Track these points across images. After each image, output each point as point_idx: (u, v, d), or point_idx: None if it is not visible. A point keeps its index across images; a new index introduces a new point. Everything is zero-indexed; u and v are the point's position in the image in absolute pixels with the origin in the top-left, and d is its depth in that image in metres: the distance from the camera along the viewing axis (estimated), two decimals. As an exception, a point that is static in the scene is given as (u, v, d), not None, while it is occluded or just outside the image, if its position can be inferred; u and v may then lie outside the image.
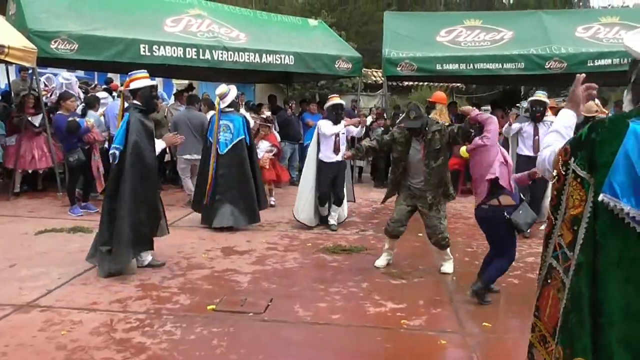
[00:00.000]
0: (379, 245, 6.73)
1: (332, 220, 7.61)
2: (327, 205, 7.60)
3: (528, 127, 7.56)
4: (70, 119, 7.59)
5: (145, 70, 5.61)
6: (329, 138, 7.41)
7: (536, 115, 7.38)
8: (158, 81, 14.24)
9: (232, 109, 7.43)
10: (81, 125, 7.66)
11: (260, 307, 4.57)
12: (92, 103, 8.96)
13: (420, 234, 7.49)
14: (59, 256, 5.77)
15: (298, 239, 6.93)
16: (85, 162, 7.72)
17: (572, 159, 1.82)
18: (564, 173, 1.85)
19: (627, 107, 1.86)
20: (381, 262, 5.86)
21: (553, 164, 1.94)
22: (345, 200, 7.82)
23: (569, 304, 1.79)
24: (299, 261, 5.98)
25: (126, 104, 5.66)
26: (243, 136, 7.31)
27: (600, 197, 1.72)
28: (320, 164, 7.51)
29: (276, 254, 6.21)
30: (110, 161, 5.37)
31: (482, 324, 4.38)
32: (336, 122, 7.47)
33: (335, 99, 7.70)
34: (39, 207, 8.32)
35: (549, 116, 7.41)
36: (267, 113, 10.25)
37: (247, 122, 7.70)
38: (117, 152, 5.20)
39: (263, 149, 8.76)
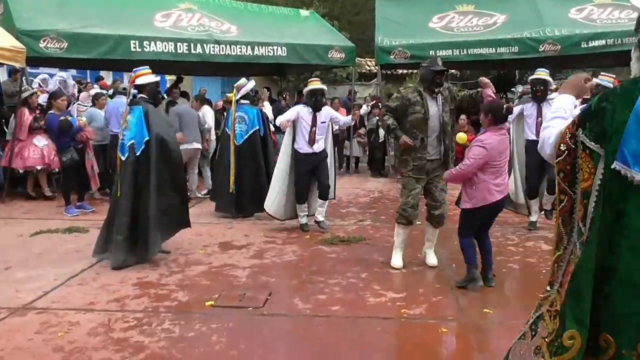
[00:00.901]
0: (377, 235, 6.71)
1: (321, 217, 6.87)
2: (305, 204, 6.85)
3: (531, 109, 6.83)
4: (61, 118, 7.51)
5: (148, 67, 5.86)
6: (303, 128, 6.69)
7: (537, 94, 6.68)
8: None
9: (248, 102, 7.72)
10: (73, 124, 7.58)
11: (259, 301, 4.53)
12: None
13: (419, 223, 7.46)
14: (55, 257, 5.72)
15: (296, 232, 6.88)
16: (78, 162, 7.65)
17: (580, 130, 1.75)
18: (573, 146, 1.78)
19: (634, 64, 1.78)
20: (399, 261, 5.42)
21: (559, 139, 1.86)
22: (332, 185, 6.99)
23: (572, 278, 1.75)
24: (298, 254, 5.94)
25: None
26: (257, 127, 7.61)
27: (613, 165, 1.67)
28: (296, 154, 6.78)
29: (274, 247, 6.17)
30: (125, 154, 5.47)
31: (483, 311, 4.35)
32: (315, 109, 6.72)
33: (314, 83, 6.87)
34: (35, 208, 8.26)
35: (552, 94, 6.72)
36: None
37: (264, 115, 7.96)
38: (138, 144, 5.40)
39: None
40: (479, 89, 5.30)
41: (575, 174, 1.79)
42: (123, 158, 5.49)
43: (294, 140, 6.81)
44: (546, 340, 1.83)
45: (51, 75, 10.51)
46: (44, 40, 8.27)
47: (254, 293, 4.72)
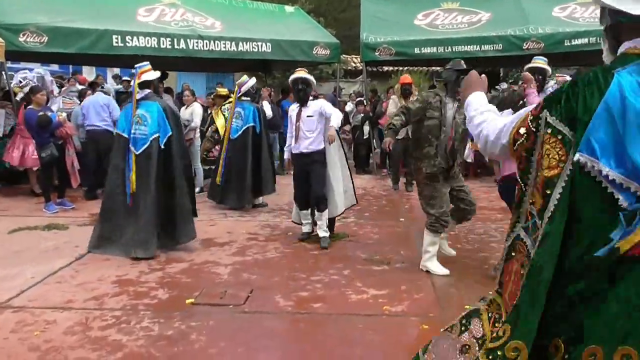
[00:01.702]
0: (360, 232, 6.70)
1: (321, 232, 6.07)
2: (308, 211, 6.21)
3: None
4: (41, 113, 7.39)
5: (149, 63, 6.02)
6: (290, 124, 6.19)
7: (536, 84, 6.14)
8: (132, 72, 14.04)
9: (248, 98, 7.91)
10: (53, 120, 7.47)
11: (241, 298, 4.49)
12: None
13: (402, 219, 7.48)
14: (33, 255, 5.63)
15: (279, 229, 6.84)
16: (58, 158, 7.55)
17: (547, 111, 1.60)
18: (534, 130, 1.62)
19: (606, 57, 1.70)
20: (442, 268, 5.15)
21: (518, 123, 1.69)
22: (340, 196, 6.17)
23: (525, 280, 1.57)
24: (280, 251, 5.90)
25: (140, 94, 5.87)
26: (252, 124, 7.78)
27: (577, 156, 1.50)
28: (292, 155, 6.30)
29: (257, 244, 6.13)
30: (140, 148, 5.65)
31: (464, 307, 4.33)
32: (299, 100, 6.07)
33: (298, 72, 6.17)
34: (13, 204, 8.12)
35: (550, 83, 6.51)
36: None
37: (260, 112, 8.07)
38: (162, 138, 5.67)
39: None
40: (520, 85, 5.21)
41: (530, 161, 1.64)
42: (137, 152, 5.66)
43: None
44: (478, 342, 1.70)
45: (30, 70, 10.32)
46: (23, 34, 8.13)
47: (236, 290, 4.67)
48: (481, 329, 1.73)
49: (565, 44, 10.40)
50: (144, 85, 5.85)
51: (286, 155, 6.55)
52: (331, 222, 6.25)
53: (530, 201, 1.63)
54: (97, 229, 5.83)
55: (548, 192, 1.55)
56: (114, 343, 3.68)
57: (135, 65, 5.97)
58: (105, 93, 9.12)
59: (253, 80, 8.10)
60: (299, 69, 6.34)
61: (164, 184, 5.72)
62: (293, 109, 6.19)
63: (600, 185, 1.48)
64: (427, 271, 5.13)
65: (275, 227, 6.94)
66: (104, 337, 3.77)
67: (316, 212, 6.13)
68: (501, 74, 18.07)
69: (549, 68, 6.54)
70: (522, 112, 1.73)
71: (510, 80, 17.70)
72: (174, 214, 5.78)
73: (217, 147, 9.30)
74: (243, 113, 7.82)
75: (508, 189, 4.85)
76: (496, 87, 12.63)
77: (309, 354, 3.69)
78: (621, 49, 1.61)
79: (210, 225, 6.91)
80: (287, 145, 6.44)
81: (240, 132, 7.77)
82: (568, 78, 2.07)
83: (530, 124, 1.64)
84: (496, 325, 1.68)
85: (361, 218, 7.49)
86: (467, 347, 1.74)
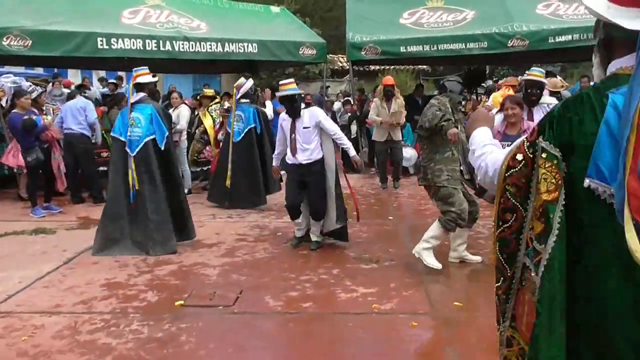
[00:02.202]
0: (349, 230, 6.66)
1: (314, 237, 6.04)
2: (300, 218, 6.02)
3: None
4: (25, 117, 7.34)
5: (147, 67, 6.16)
6: (284, 136, 5.96)
7: (531, 98, 5.76)
8: (122, 75, 13.97)
9: (247, 100, 8.05)
10: (38, 123, 7.41)
11: (230, 299, 4.49)
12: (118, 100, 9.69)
13: (391, 218, 7.51)
14: (21, 259, 5.59)
15: (268, 229, 6.85)
16: (44, 162, 7.50)
17: (541, 137, 1.58)
18: (531, 156, 1.61)
19: (595, 70, 1.68)
20: (437, 264, 5.13)
21: (514, 149, 1.69)
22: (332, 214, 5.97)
23: (540, 307, 1.54)
24: (269, 251, 5.91)
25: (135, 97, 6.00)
26: (253, 125, 7.93)
27: (586, 182, 1.48)
28: (285, 164, 6.15)
29: (246, 245, 6.13)
30: (135, 150, 5.81)
31: (452, 304, 4.38)
32: (292, 115, 5.86)
33: (285, 87, 5.90)
34: None
35: (545, 97, 6.28)
36: (227, 104, 10.08)
37: (261, 113, 8.21)
38: (160, 139, 5.85)
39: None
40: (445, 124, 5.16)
41: (529, 187, 1.62)
42: (132, 154, 5.80)
43: None
44: None
45: (16, 74, 10.25)
46: (7, 38, 8.03)
47: (225, 291, 4.67)
48: None
49: (550, 41, 10.45)
50: (138, 88, 5.99)
51: (275, 163, 6.35)
52: (342, 231, 6.11)
53: (530, 227, 1.61)
54: (102, 232, 5.89)
55: (550, 215, 1.53)
56: (104, 346, 3.67)
57: (133, 69, 6.10)
58: (88, 98, 9.07)
59: (250, 82, 8.18)
60: (286, 82, 6.00)
61: (169, 181, 5.95)
62: (285, 118, 5.96)
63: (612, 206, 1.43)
64: (420, 260, 5.12)
65: (264, 227, 6.94)
66: (93, 340, 3.76)
67: (310, 220, 6.00)
68: (487, 72, 18.20)
69: (546, 81, 6.30)
70: (518, 141, 1.72)
71: (495, 78, 17.83)
72: (182, 211, 6.05)
73: (207, 147, 9.29)
74: (243, 115, 7.98)
75: None
76: (482, 84, 12.75)
77: (299, 353, 3.70)
78: (611, 68, 1.59)
79: (199, 227, 6.88)
80: (276, 153, 6.26)
81: (242, 135, 7.93)
82: (478, 131, 2.07)
83: (527, 150, 1.63)
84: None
85: (350, 217, 7.48)
86: None
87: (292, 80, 6.11)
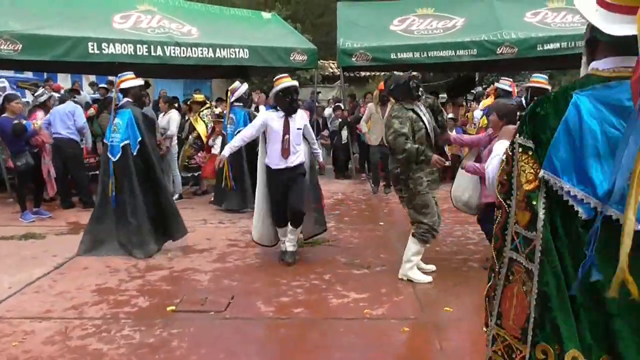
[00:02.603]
0: (340, 236, 6.73)
1: (290, 246, 5.67)
2: (286, 228, 5.68)
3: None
4: (15, 121, 7.30)
5: (132, 72, 6.22)
6: (275, 137, 5.49)
7: None
8: (112, 80, 13.92)
9: (240, 104, 8.08)
10: (28, 128, 7.38)
11: (222, 305, 4.50)
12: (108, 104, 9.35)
13: (382, 223, 7.54)
14: (10, 264, 5.55)
15: (259, 234, 6.84)
16: (34, 166, 7.46)
17: (518, 135, 1.69)
18: (511, 153, 1.71)
19: (582, 69, 1.75)
20: (425, 275, 5.13)
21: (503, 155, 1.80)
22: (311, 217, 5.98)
23: (546, 290, 1.57)
24: (261, 257, 5.91)
25: (119, 102, 6.11)
26: (242, 128, 7.81)
27: (541, 173, 1.59)
28: (268, 171, 5.67)
29: (237, 251, 6.13)
30: (116, 155, 5.89)
31: (443, 309, 4.41)
32: (288, 112, 5.51)
33: (285, 80, 5.57)
34: (-11, 214, 8.01)
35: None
36: (219, 109, 10.09)
37: (252, 117, 8.09)
38: (133, 144, 5.87)
39: (219, 144, 8.66)
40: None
41: (511, 184, 1.70)
42: (114, 159, 5.90)
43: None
44: None
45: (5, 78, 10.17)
46: (-3, 42, 8.02)
47: (216, 297, 4.68)
48: None
49: (538, 49, 10.58)
50: (122, 93, 6.07)
51: (226, 153, 5.69)
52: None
53: (515, 221, 1.68)
54: (90, 233, 6.05)
55: (534, 203, 1.61)
56: (95, 352, 3.66)
57: (118, 75, 6.16)
58: (77, 103, 9.03)
59: (245, 86, 8.24)
60: (282, 75, 5.75)
61: (148, 185, 5.97)
62: (273, 117, 5.52)
63: (562, 198, 1.56)
64: (409, 280, 5.06)
65: (255, 233, 6.93)
66: (84, 346, 3.75)
67: (289, 227, 5.63)
68: (476, 78, 18.32)
69: (549, 87, 6.29)
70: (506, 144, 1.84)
71: (484, 85, 17.96)
72: (163, 213, 6.06)
73: (199, 153, 9.28)
74: (235, 118, 8.05)
75: (487, 216, 4.95)
76: (472, 91, 12.83)
77: (290, 359, 3.71)
78: (588, 69, 1.67)
79: (190, 232, 6.87)
80: (235, 144, 5.68)
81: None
82: (498, 143, 2.30)
83: (509, 150, 1.73)
84: (514, 356, 1.67)
85: (341, 222, 7.53)
86: None
87: (287, 74, 5.87)
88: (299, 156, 5.59)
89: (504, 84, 7.56)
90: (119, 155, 5.89)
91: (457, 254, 5.92)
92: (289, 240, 5.67)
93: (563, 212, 1.58)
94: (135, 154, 5.89)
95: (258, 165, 5.82)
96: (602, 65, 1.62)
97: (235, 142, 5.70)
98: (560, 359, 1.54)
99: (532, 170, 1.62)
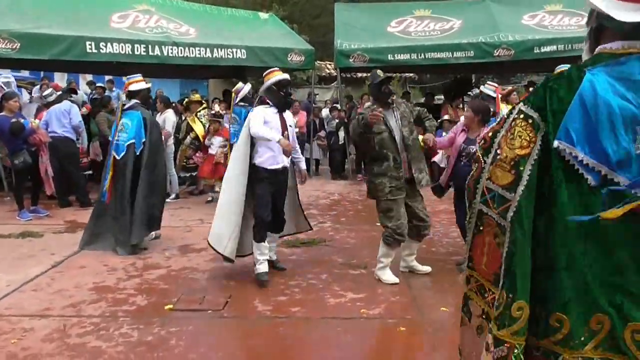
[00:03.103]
0: (337, 236, 6.77)
1: (273, 255, 5.39)
2: (266, 243, 5.10)
3: None
4: (13, 120, 7.31)
5: (140, 75, 6.39)
6: (268, 129, 4.94)
7: None
8: (112, 79, 13.93)
9: (246, 104, 7.96)
10: (25, 127, 7.39)
11: (219, 304, 4.52)
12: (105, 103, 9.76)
13: (378, 224, 7.56)
14: (8, 263, 5.56)
15: (256, 234, 6.86)
16: (31, 165, 7.47)
17: (523, 103, 1.79)
18: (505, 116, 1.82)
19: (585, 55, 1.85)
20: (393, 276, 5.10)
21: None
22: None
23: (512, 247, 1.72)
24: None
25: (126, 104, 6.25)
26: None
27: (556, 143, 1.69)
28: (257, 173, 5.01)
29: (234, 250, 6.14)
30: (121, 153, 6.04)
31: (440, 309, 4.44)
32: (282, 107, 5.10)
33: (277, 74, 5.14)
34: (-15, 213, 8.01)
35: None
36: (216, 108, 10.11)
37: None
38: (138, 144, 6.02)
39: (217, 144, 8.69)
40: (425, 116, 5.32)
41: (493, 142, 1.81)
42: (118, 157, 6.05)
43: (252, 152, 5.05)
44: (483, 317, 1.86)
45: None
46: (-5, 41, 8.03)
47: (214, 296, 4.70)
48: (479, 307, 1.88)
49: (535, 51, 10.64)
50: (130, 95, 6.23)
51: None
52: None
53: (487, 177, 1.79)
54: (90, 227, 6.23)
55: (520, 168, 1.72)
56: (93, 350, 3.68)
57: (127, 77, 6.36)
58: (73, 102, 9.03)
59: (248, 86, 8.24)
60: (273, 69, 5.36)
61: (145, 186, 6.05)
62: (268, 113, 5.05)
63: (576, 170, 1.66)
64: (379, 279, 5.09)
65: (252, 232, 6.96)
66: (83, 343, 3.77)
67: (270, 235, 5.19)
68: (473, 80, 18.40)
69: None
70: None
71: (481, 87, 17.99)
72: (152, 211, 6.19)
73: (198, 153, 9.30)
74: (238, 118, 8.05)
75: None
76: (469, 92, 12.89)
77: (288, 358, 3.73)
78: (597, 50, 1.77)
79: (187, 232, 6.91)
80: (257, 159, 5.03)
81: (238, 137, 8.01)
82: None
83: (506, 114, 1.85)
84: (485, 295, 1.84)
85: (337, 223, 7.56)
86: (480, 327, 1.89)
87: (277, 68, 5.55)
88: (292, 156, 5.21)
89: (489, 88, 7.76)
90: (122, 153, 6.03)
91: (453, 254, 5.96)
92: (272, 250, 5.28)
93: (568, 180, 1.68)
94: (137, 154, 6.03)
95: (236, 166, 5.08)
96: (614, 45, 1.72)
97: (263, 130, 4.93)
98: (509, 306, 1.70)
99: (527, 138, 1.73)
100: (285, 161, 5.09)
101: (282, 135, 4.97)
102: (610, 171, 1.62)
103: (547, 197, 1.72)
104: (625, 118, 1.62)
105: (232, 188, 5.03)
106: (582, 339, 1.66)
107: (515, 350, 1.72)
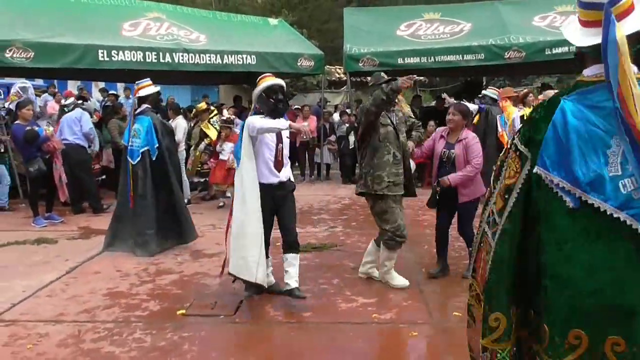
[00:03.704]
0: (348, 241, 6.78)
1: (294, 282, 4.62)
2: (265, 258, 4.64)
3: None
4: (28, 128, 7.41)
5: (149, 78, 6.47)
6: (265, 146, 4.56)
7: None
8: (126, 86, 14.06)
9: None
10: (40, 134, 7.48)
11: (231, 309, 4.55)
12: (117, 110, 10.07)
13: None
14: (23, 269, 5.64)
15: (267, 239, 6.89)
16: (46, 172, 7.56)
17: (517, 135, 1.97)
18: (509, 147, 2.00)
19: (577, 78, 2.00)
20: (403, 279, 5.06)
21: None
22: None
23: (492, 265, 1.94)
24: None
25: (138, 109, 6.37)
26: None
27: (535, 169, 1.84)
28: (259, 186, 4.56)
29: (246, 255, 6.17)
30: (136, 159, 6.20)
31: (452, 314, 4.44)
32: (274, 115, 4.54)
33: (268, 79, 4.67)
34: (1, 219, 8.09)
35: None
36: (226, 114, 10.15)
37: None
38: (152, 150, 6.19)
39: (228, 150, 8.73)
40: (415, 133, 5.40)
41: (501, 170, 1.99)
42: (133, 162, 6.19)
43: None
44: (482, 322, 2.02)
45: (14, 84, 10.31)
46: (9, 50, 8.12)
47: (226, 301, 4.73)
48: (480, 313, 2.04)
49: (546, 53, 10.56)
50: (140, 100, 6.33)
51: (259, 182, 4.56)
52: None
53: (494, 202, 1.99)
54: (111, 230, 6.44)
55: (507, 196, 1.92)
56: (107, 355, 3.72)
57: (136, 82, 6.40)
58: (85, 109, 9.11)
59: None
60: (266, 75, 4.86)
61: (163, 190, 6.30)
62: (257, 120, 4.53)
63: (556, 194, 1.81)
64: (419, 270, 5.16)
65: (263, 237, 6.98)
66: (97, 349, 3.81)
67: (286, 256, 4.68)
68: (484, 83, 18.35)
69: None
70: None
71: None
72: (176, 217, 6.41)
73: (212, 159, 9.34)
74: None
75: (468, 211, 5.26)
76: (479, 95, 12.87)
77: (300, 361, 3.75)
78: (577, 78, 1.92)
79: (199, 237, 6.94)
80: (250, 171, 4.53)
81: None
82: None
83: (509, 144, 2.02)
84: (480, 302, 2.02)
85: (348, 227, 7.57)
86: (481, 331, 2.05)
87: (270, 73, 5.10)
88: (288, 170, 4.81)
89: (493, 92, 8.04)
90: (138, 159, 6.19)
91: (464, 258, 5.94)
92: (290, 276, 4.63)
93: (553, 203, 1.82)
94: (154, 159, 6.21)
95: (248, 184, 4.52)
96: (587, 72, 1.88)
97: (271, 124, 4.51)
98: (487, 317, 1.95)
99: (514, 168, 1.92)
100: (282, 176, 4.65)
101: (277, 148, 4.60)
102: (584, 193, 1.74)
103: (537, 219, 1.87)
104: (595, 142, 1.75)
105: (248, 208, 4.49)
106: (563, 350, 1.79)
107: (498, 355, 1.94)
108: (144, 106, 6.32)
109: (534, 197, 1.86)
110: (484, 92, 8.62)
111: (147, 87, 6.37)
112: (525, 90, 10.68)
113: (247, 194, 4.50)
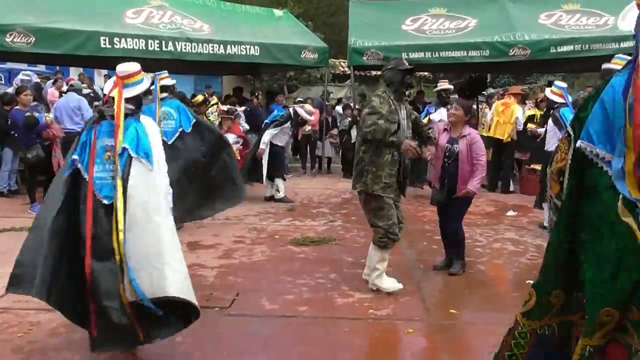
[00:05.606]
0: (347, 235, 6.73)
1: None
2: None
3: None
4: (27, 114, 7.36)
5: (166, 71, 6.78)
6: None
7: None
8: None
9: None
10: (40, 121, 7.43)
11: (227, 301, 4.50)
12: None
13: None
14: (18, 256, 5.58)
15: (265, 232, 6.86)
16: (45, 159, 7.51)
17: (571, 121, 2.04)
18: (565, 135, 2.06)
19: None
20: (396, 282, 4.81)
21: None
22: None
23: (548, 247, 2.05)
24: (267, 254, 5.91)
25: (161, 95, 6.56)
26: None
27: (578, 143, 1.88)
28: None
29: (243, 248, 6.14)
30: (171, 138, 6.23)
31: (449, 312, 4.39)
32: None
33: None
34: (-1, 206, 8.08)
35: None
36: (222, 107, 10.07)
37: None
38: (187, 126, 6.38)
39: (230, 141, 8.67)
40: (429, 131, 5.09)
41: (553, 157, 2.06)
42: (169, 142, 6.13)
43: None
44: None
45: (18, 72, 10.29)
46: (10, 35, 8.08)
47: (221, 293, 4.68)
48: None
49: (552, 51, 10.49)
50: (162, 89, 6.58)
51: None
52: None
53: (549, 187, 2.08)
54: None
55: (561, 179, 1.99)
56: (99, 345, 3.67)
57: (156, 73, 6.64)
58: (76, 90, 8.99)
59: None
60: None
61: (206, 160, 6.31)
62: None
63: (601, 169, 1.83)
64: (417, 266, 5.06)
65: (261, 230, 6.95)
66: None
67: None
68: (488, 80, 18.25)
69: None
70: None
71: (495, 87, 17.86)
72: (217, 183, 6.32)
73: None
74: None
75: (461, 205, 5.27)
76: (483, 92, 12.79)
77: (294, 357, 3.70)
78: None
79: (197, 228, 6.91)
80: None
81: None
82: None
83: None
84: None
85: (348, 222, 7.52)
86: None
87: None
88: None
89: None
90: (173, 139, 6.26)
91: (465, 256, 5.89)
92: None
93: (597, 179, 1.86)
94: (189, 131, 6.35)
95: None
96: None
97: None
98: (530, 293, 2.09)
99: (564, 150, 1.98)
100: None
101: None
102: None
103: (585, 195, 1.92)
104: None
105: None
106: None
107: (519, 328, 2.07)
108: (165, 94, 6.53)
109: (584, 175, 1.91)
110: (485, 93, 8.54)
111: (166, 78, 6.69)
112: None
113: None
